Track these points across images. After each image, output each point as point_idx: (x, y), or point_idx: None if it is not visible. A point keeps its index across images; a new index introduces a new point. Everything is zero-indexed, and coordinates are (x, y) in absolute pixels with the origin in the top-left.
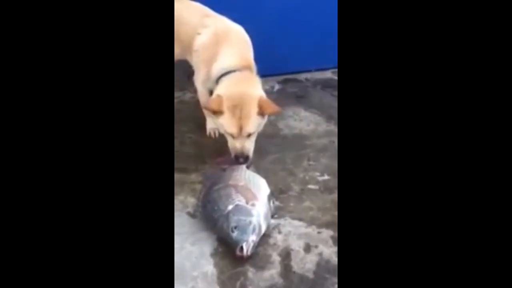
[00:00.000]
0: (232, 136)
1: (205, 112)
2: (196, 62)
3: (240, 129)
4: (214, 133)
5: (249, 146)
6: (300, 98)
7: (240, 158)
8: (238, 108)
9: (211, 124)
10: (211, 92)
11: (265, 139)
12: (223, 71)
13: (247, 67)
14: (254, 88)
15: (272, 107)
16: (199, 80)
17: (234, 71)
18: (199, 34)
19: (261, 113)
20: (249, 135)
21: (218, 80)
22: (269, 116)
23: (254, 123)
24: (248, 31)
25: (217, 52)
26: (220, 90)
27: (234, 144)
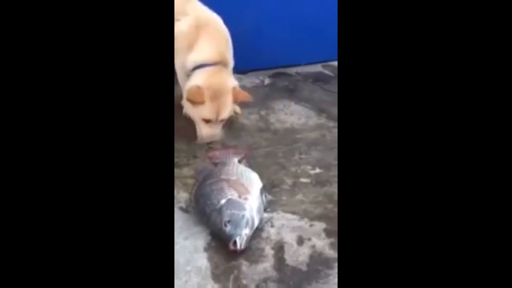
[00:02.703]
0: (207, 122)
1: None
2: (175, 48)
3: (217, 115)
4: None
5: (219, 131)
6: (291, 92)
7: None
8: (217, 97)
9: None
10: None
11: (256, 133)
12: (197, 64)
13: (221, 63)
14: (228, 79)
15: (243, 94)
16: (177, 65)
17: (207, 65)
18: (178, 20)
19: (235, 100)
20: (221, 121)
21: (192, 71)
22: (259, 112)
23: (229, 111)
24: (238, 25)
25: (194, 43)
26: (197, 81)
27: (208, 130)
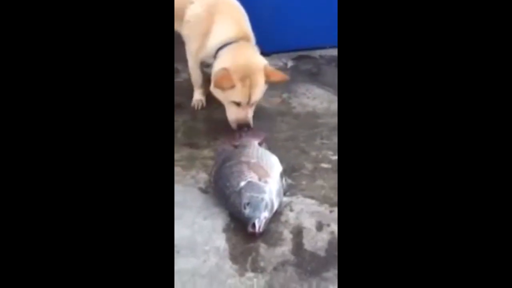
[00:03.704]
0: (238, 105)
1: (194, 84)
2: (188, 34)
3: (249, 98)
4: (198, 106)
5: (251, 114)
6: (314, 76)
7: (244, 127)
8: (247, 78)
9: (198, 96)
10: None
11: (277, 116)
12: (221, 44)
13: (244, 38)
14: (257, 57)
15: (278, 75)
16: (191, 53)
17: (231, 43)
18: (191, 3)
19: (267, 81)
20: (253, 104)
21: (215, 54)
22: (281, 95)
23: (261, 91)
24: (262, 6)
25: (211, 24)
26: (223, 63)
27: (239, 113)
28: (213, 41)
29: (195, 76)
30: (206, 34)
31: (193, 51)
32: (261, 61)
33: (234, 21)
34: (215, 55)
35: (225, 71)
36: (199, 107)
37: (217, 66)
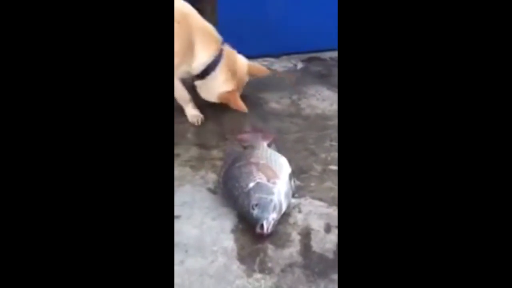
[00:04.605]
0: None
1: (183, 101)
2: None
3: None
4: (198, 121)
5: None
6: (324, 77)
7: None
8: (242, 86)
9: (192, 111)
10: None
11: (287, 118)
12: (208, 63)
13: (218, 44)
14: (241, 61)
15: (261, 70)
16: (177, 75)
17: (214, 59)
18: None
19: (252, 76)
20: None
21: (203, 72)
22: (290, 96)
23: None
24: (272, 7)
25: (190, 42)
26: (225, 85)
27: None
28: (199, 62)
29: (182, 92)
30: (186, 52)
31: (180, 75)
32: (245, 64)
33: (208, 32)
34: (202, 74)
35: (231, 93)
36: (199, 122)
37: (220, 88)
